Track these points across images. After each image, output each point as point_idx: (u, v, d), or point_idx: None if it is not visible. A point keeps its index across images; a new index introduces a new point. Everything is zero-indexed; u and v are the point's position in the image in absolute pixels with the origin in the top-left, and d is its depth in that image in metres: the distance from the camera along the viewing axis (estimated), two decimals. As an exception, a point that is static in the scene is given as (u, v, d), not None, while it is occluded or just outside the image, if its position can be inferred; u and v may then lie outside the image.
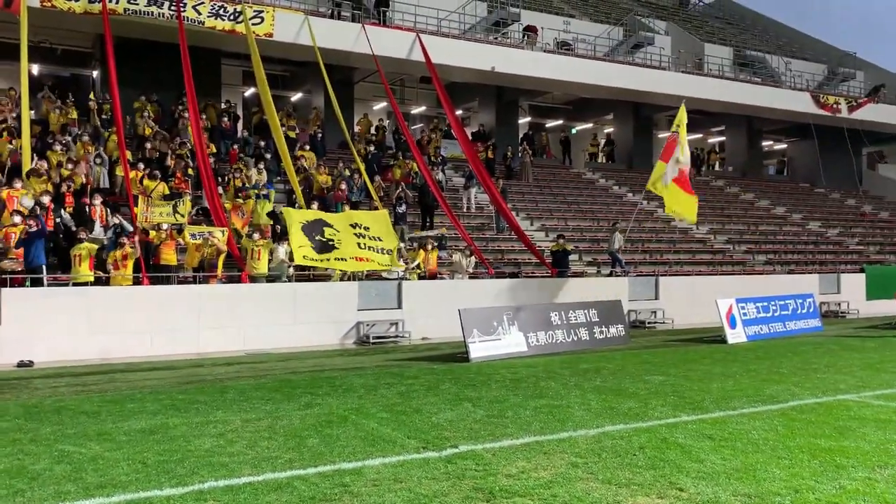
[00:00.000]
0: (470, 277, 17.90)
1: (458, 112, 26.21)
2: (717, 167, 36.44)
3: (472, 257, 18.14)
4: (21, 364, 12.24)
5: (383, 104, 29.78)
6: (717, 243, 25.54)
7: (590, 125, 34.76)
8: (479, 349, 12.86)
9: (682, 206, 18.41)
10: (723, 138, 36.37)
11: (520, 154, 27.13)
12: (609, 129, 34.44)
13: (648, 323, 19.22)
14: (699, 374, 11.36)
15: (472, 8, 26.11)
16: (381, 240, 15.74)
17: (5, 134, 16.92)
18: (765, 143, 36.79)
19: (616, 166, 31.83)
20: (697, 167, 32.27)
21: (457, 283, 17.44)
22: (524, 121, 32.25)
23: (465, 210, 22.58)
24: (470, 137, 25.16)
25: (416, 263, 17.11)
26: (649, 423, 7.87)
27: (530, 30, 27.33)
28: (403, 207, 19.46)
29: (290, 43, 20.37)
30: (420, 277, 17.16)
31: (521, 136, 29.57)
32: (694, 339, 16.41)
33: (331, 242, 15.19)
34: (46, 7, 17.38)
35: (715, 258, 24.18)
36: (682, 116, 18.59)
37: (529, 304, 15.25)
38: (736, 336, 15.95)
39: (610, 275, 20.27)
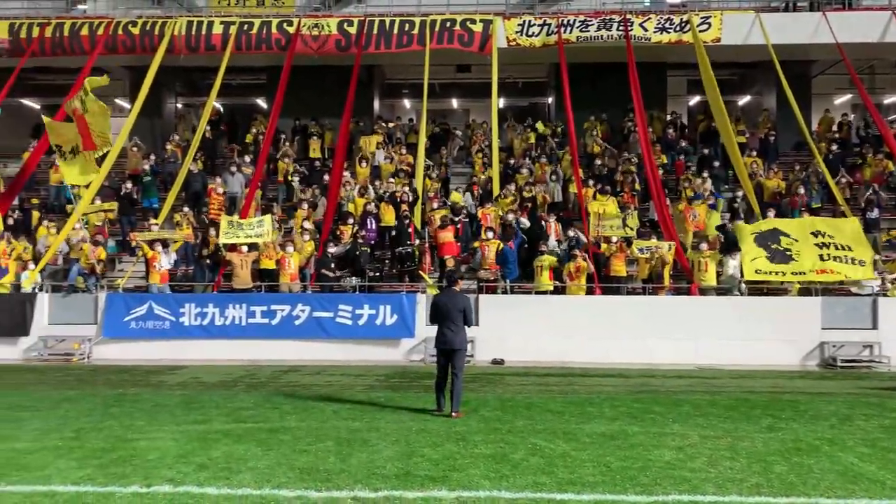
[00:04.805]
0: (973, 295, 14.63)
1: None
2: None
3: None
4: (494, 361, 13.96)
5: (847, 97, 26.35)
6: None
7: None
8: None
9: None
10: None
11: None
12: None
13: None
14: None
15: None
16: (850, 249, 13.93)
17: (480, 161, 19.59)
18: None
19: None
20: None
21: (953, 302, 14.41)
22: None
23: (968, 213, 18.61)
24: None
25: (894, 276, 14.64)
26: None
27: None
28: (876, 212, 16.85)
29: (739, 45, 19.36)
30: (901, 293, 14.65)
31: None
32: None
33: (788, 252, 14.07)
34: (512, 46, 19.61)
35: None
36: None
37: None
38: None
39: None
